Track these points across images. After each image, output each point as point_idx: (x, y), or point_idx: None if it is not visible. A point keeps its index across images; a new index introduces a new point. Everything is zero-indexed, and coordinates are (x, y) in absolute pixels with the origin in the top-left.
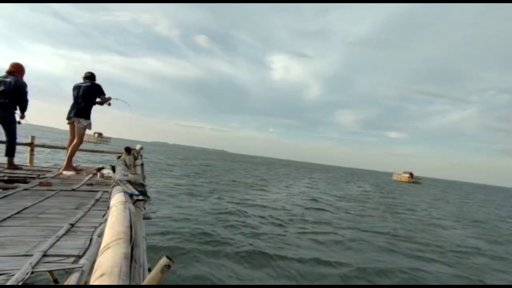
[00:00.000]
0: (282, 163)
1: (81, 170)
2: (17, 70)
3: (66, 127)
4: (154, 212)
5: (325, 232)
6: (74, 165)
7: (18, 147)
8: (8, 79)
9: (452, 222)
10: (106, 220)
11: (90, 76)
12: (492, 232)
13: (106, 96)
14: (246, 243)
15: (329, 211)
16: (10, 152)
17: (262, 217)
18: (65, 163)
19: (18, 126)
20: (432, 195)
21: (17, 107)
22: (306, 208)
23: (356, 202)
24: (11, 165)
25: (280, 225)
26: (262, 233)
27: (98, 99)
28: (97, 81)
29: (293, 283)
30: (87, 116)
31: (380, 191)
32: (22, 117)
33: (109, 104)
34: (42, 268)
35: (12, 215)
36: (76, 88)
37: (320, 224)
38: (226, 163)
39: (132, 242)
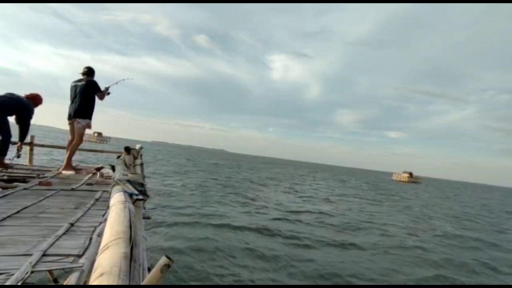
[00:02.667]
0: (286, 163)
1: (80, 169)
2: (33, 97)
3: (66, 126)
4: (153, 209)
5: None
6: (74, 164)
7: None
8: (21, 97)
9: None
10: (105, 219)
11: (87, 72)
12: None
13: (102, 89)
14: None
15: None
16: (2, 152)
17: None
18: (64, 162)
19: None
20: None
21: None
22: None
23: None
24: (0, 163)
25: None
26: None
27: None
28: (98, 80)
29: None
30: (85, 115)
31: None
32: (20, 147)
33: (108, 94)
34: (41, 267)
35: (12, 214)
36: (73, 88)
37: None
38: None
39: (132, 242)
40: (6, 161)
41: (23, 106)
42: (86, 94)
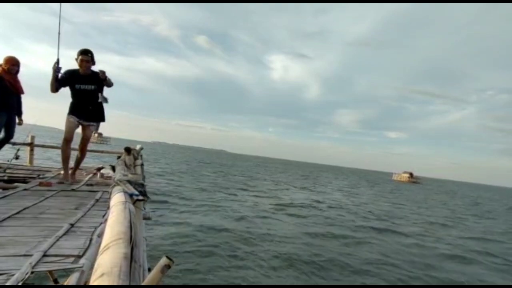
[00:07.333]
0: (286, 163)
1: (80, 170)
2: (4, 62)
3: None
4: (154, 211)
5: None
6: None
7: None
8: None
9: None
10: (106, 220)
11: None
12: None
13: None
14: None
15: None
16: None
17: None
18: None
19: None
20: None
21: None
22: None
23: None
24: None
25: None
26: None
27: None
28: None
29: None
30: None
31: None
32: None
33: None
34: (42, 268)
35: (12, 215)
36: None
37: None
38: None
39: (132, 242)
40: (5, 162)
41: None
42: None
